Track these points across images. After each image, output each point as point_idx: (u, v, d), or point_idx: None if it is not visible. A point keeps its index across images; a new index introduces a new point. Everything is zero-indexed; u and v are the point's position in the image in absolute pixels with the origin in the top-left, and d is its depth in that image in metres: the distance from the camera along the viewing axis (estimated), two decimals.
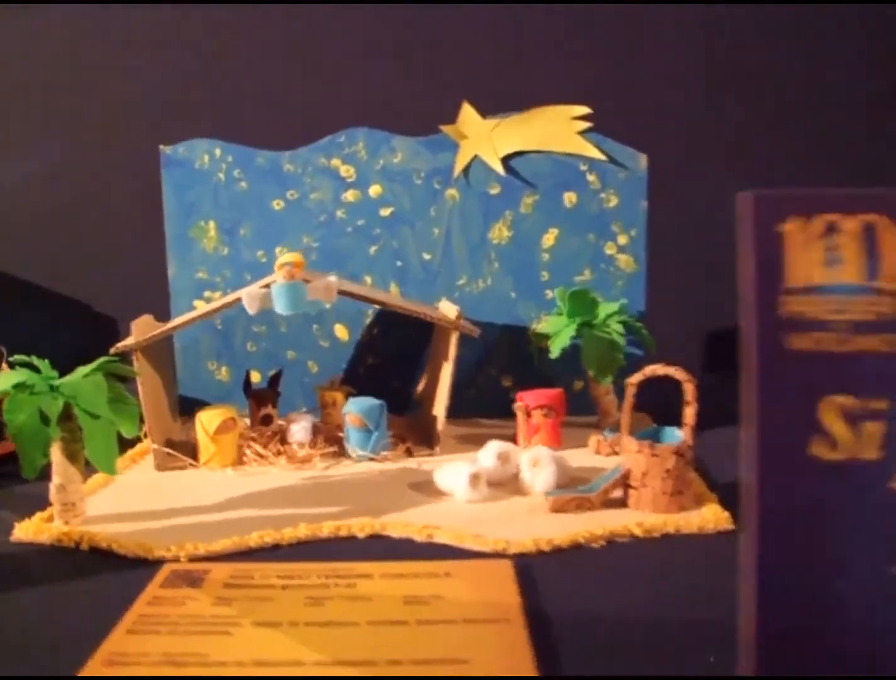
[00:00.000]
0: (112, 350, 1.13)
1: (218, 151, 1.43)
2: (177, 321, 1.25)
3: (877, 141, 1.48)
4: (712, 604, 0.71)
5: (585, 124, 1.40)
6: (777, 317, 0.51)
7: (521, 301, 1.43)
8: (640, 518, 1.00)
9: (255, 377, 1.41)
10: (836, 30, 1.45)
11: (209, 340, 1.47)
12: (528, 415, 1.26)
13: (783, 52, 1.47)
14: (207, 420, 1.19)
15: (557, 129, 1.40)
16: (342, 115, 1.45)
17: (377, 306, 1.38)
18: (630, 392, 1.03)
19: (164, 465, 1.22)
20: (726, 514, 0.96)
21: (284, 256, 1.16)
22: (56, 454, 0.99)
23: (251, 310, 1.17)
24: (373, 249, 1.45)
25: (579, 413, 1.40)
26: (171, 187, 1.44)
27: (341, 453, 1.26)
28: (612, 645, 0.75)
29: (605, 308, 1.31)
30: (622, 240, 1.40)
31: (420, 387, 1.39)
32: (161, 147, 1.44)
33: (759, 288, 0.51)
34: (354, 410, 1.21)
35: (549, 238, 1.42)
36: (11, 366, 1.00)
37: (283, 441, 1.28)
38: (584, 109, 1.40)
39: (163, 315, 1.39)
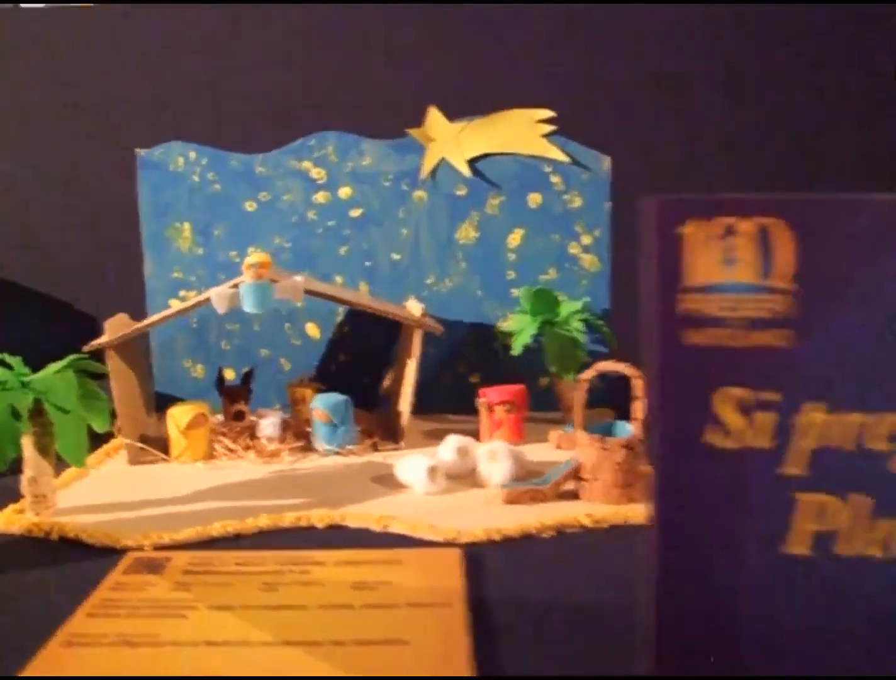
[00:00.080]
0: (85, 348, 1.16)
1: (193, 154, 1.47)
2: (147, 321, 1.28)
3: (833, 142, 1.51)
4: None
5: (549, 127, 1.43)
6: (675, 313, 0.54)
7: (488, 300, 1.47)
8: (590, 510, 1.02)
9: (230, 375, 1.44)
10: (795, 32, 1.48)
11: (185, 339, 1.50)
12: (491, 410, 1.28)
13: (744, 55, 1.50)
14: (178, 416, 1.23)
15: (522, 132, 1.44)
16: (313, 118, 1.47)
17: (345, 305, 1.39)
18: (582, 387, 1.07)
19: (136, 459, 1.25)
20: None
21: (252, 257, 1.20)
22: (28, 448, 1.03)
23: (220, 309, 1.21)
24: (343, 250, 1.48)
25: (547, 409, 1.43)
26: (148, 189, 1.47)
27: (309, 448, 1.28)
28: (550, 629, 0.78)
29: (569, 306, 1.34)
30: (586, 240, 1.44)
31: (386, 383, 1.43)
32: (137, 150, 1.46)
33: (659, 286, 0.54)
34: (321, 405, 1.25)
35: (515, 238, 1.45)
36: None
37: (253, 436, 1.29)
38: (548, 113, 1.43)
39: (141, 314, 1.43)
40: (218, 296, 1.20)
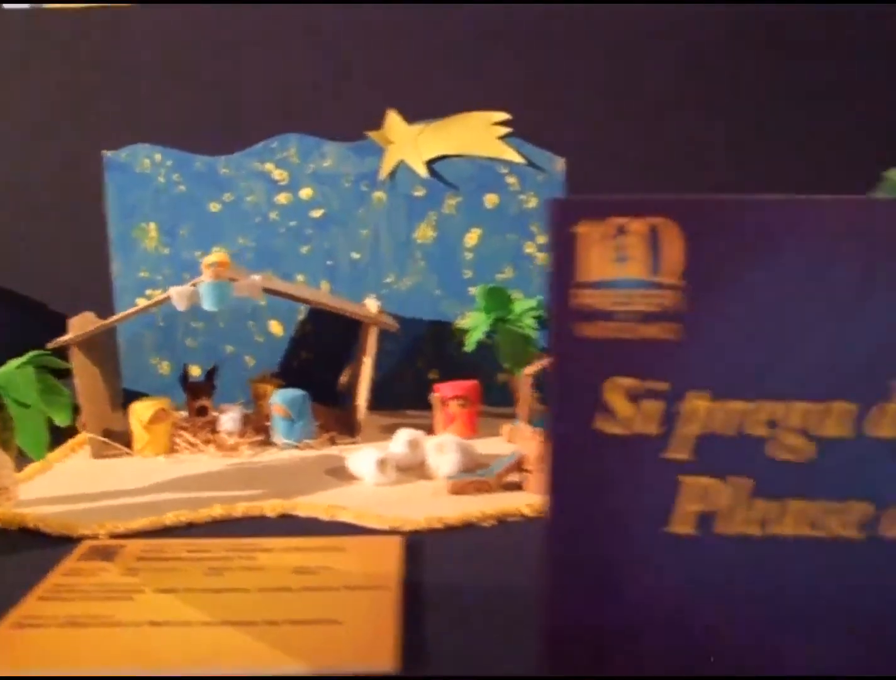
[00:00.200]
0: (49, 345, 1.20)
1: (158, 156, 1.50)
2: (110, 319, 1.32)
3: (787, 141, 1.55)
4: None
5: (505, 129, 1.47)
6: (569, 307, 0.58)
7: (446, 298, 1.51)
8: (532, 500, 1.06)
9: (196, 371, 1.48)
10: (751, 32, 1.52)
11: (152, 337, 1.54)
12: (445, 405, 1.32)
13: (699, 57, 1.53)
14: (140, 411, 1.27)
15: (478, 134, 1.48)
16: (275, 122, 1.51)
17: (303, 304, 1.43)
18: (527, 382, 1.11)
19: (99, 453, 1.28)
20: None
21: (211, 256, 1.24)
22: None
23: (180, 307, 1.25)
24: (305, 249, 1.52)
25: (503, 404, 1.46)
26: (114, 190, 1.51)
27: (268, 442, 1.31)
28: (480, 612, 0.82)
29: (522, 304, 1.39)
30: (541, 239, 1.47)
31: (344, 379, 1.46)
32: (104, 152, 1.49)
33: (554, 282, 0.57)
34: (279, 400, 1.29)
35: (472, 238, 1.49)
36: None
37: (214, 431, 1.33)
38: (504, 115, 1.47)
39: (109, 313, 1.46)
40: (178, 294, 1.24)
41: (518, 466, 1.09)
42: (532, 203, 1.45)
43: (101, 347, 1.38)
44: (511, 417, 1.40)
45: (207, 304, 1.23)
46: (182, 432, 1.31)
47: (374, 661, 0.70)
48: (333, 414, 1.39)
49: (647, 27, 1.52)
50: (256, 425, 1.34)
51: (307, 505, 1.07)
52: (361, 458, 1.14)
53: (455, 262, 1.50)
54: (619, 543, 0.59)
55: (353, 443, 1.34)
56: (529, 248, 1.47)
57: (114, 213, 1.54)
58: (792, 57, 1.53)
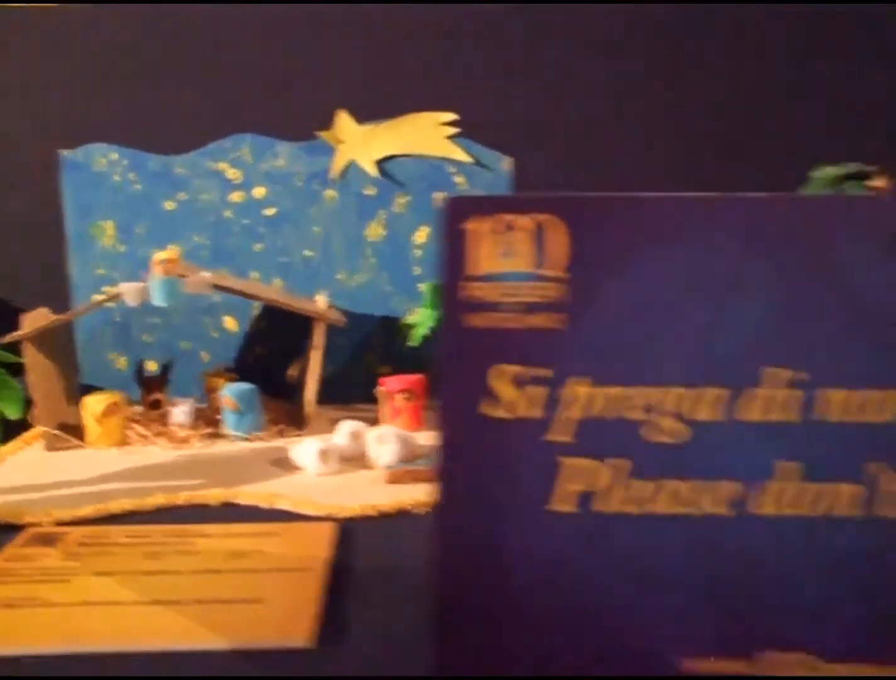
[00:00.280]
0: (0, 341, 1.24)
1: (114, 155, 1.54)
2: (63, 315, 1.35)
3: (733, 144, 1.59)
4: None
5: (453, 130, 1.50)
6: (458, 299, 0.61)
7: (396, 294, 1.54)
8: None
9: (153, 366, 1.52)
10: (700, 29, 1.57)
11: (109, 332, 1.58)
12: (391, 399, 1.36)
13: (647, 56, 1.58)
14: (93, 404, 1.30)
15: (427, 134, 1.51)
16: (228, 121, 1.54)
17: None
18: None
19: (53, 445, 1.31)
20: None
21: (161, 254, 1.28)
22: None
23: (132, 303, 1.29)
24: (258, 247, 1.55)
25: None
26: (71, 189, 1.54)
27: (219, 434, 1.35)
28: (401, 595, 0.84)
29: None
30: None
31: (293, 373, 1.50)
32: (61, 151, 1.52)
33: (445, 274, 0.61)
34: (228, 393, 1.33)
35: (421, 235, 1.53)
36: None
37: (166, 423, 1.36)
38: (452, 116, 1.50)
39: (66, 309, 1.48)
40: (129, 290, 1.28)
41: None
42: None
43: (56, 343, 1.41)
44: None
45: (157, 300, 1.26)
46: (134, 425, 1.34)
47: (291, 637, 0.74)
48: (283, 407, 1.42)
49: (596, 26, 1.55)
50: (208, 418, 1.37)
51: (248, 494, 1.10)
52: (304, 449, 1.17)
53: (405, 260, 1.54)
54: (504, 522, 0.61)
55: (301, 435, 1.33)
56: None
57: (71, 211, 1.56)
58: (743, 55, 1.56)
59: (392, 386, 1.35)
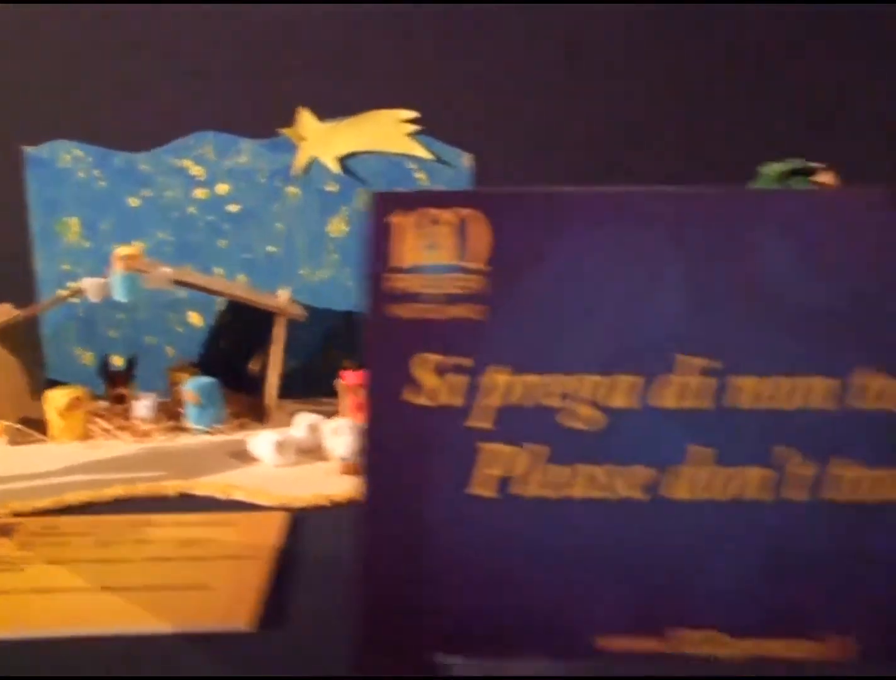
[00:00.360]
0: None
1: (78, 152, 1.55)
2: (25, 310, 1.37)
3: (682, 138, 1.62)
4: None
5: (414, 127, 1.52)
6: (383, 291, 0.63)
7: (359, 290, 1.55)
8: None
9: (119, 361, 1.54)
10: (656, 25, 1.59)
11: (74, 328, 1.60)
12: (351, 392, 1.38)
13: (606, 54, 1.60)
14: (55, 399, 1.33)
15: (388, 131, 1.54)
16: (192, 119, 1.55)
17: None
18: None
19: (15, 440, 1.33)
20: None
21: (121, 249, 1.30)
22: None
23: (94, 298, 1.31)
24: (222, 243, 1.57)
25: None
26: (36, 185, 1.55)
27: (181, 428, 1.37)
28: (346, 581, 0.84)
29: None
30: None
31: (254, 367, 1.52)
32: (25, 148, 1.54)
33: (369, 267, 0.64)
34: (190, 387, 1.35)
35: None
36: None
37: (129, 417, 1.38)
38: (412, 113, 1.52)
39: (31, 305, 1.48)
40: (90, 286, 1.30)
41: None
42: None
43: (20, 338, 1.43)
44: None
45: (118, 296, 1.29)
46: (97, 420, 1.36)
47: (233, 621, 0.76)
48: (245, 401, 1.44)
49: (556, 23, 1.57)
50: (170, 412, 1.39)
51: (205, 484, 1.12)
52: (261, 441, 1.20)
53: None
54: (426, 505, 0.63)
55: (263, 428, 1.35)
56: None
57: (35, 207, 1.57)
58: (695, 51, 1.59)
59: (352, 380, 1.36)
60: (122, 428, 1.35)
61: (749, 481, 0.61)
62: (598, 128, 1.60)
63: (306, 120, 1.53)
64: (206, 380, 1.34)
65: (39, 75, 1.59)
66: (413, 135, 1.55)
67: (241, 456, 1.25)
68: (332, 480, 1.15)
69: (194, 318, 1.56)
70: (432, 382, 0.64)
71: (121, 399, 1.40)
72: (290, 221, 1.55)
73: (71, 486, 1.14)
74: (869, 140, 1.60)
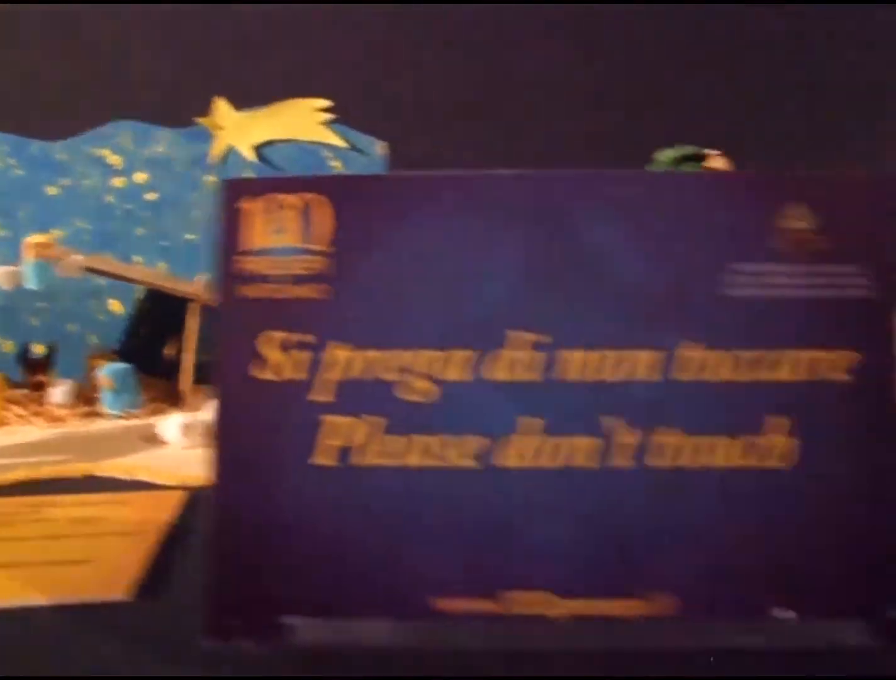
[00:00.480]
0: None
1: None
2: None
3: (603, 128, 1.65)
4: None
5: (329, 115, 1.55)
6: (233, 272, 0.67)
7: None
8: None
9: (40, 349, 1.56)
10: (572, 19, 1.62)
11: None
12: None
13: (520, 41, 1.63)
14: None
15: (303, 120, 1.56)
16: (109, 108, 1.57)
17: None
18: None
19: None
20: None
21: (32, 238, 1.33)
22: None
23: (5, 286, 1.34)
24: (140, 231, 1.60)
25: None
26: None
27: (96, 413, 1.40)
28: None
29: None
30: None
31: (170, 352, 1.55)
32: None
33: (220, 250, 0.67)
34: (104, 373, 1.38)
35: None
36: None
37: (45, 403, 1.41)
38: (327, 102, 1.55)
39: None
40: (1, 274, 1.32)
41: None
42: None
43: None
44: None
45: (30, 284, 1.31)
46: (12, 406, 1.38)
47: (110, 591, 0.79)
48: (161, 386, 1.47)
49: (466, 10, 1.59)
50: (86, 398, 1.41)
51: (109, 466, 1.15)
52: (169, 423, 1.22)
53: None
54: (273, 476, 0.67)
55: (178, 413, 1.37)
56: None
57: None
58: (619, 37, 1.62)
59: None
60: (36, 414, 1.37)
61: (577, 450, 0.64)
62: (512, 115, 1.61)
63: (222, 109, 1.55)
64: (120, 365, 1.36)
65: None
66: (328, 123, 1.56)
67: (151, 439, 1.27)
68: None
69: (115, 306, 1.58)
70: (277, 357, 0.66)
71: (40, 386, 1.42)
72: (207, 209, 1.55)
73: None
74: None
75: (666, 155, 1.32)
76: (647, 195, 0.67)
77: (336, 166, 1.57)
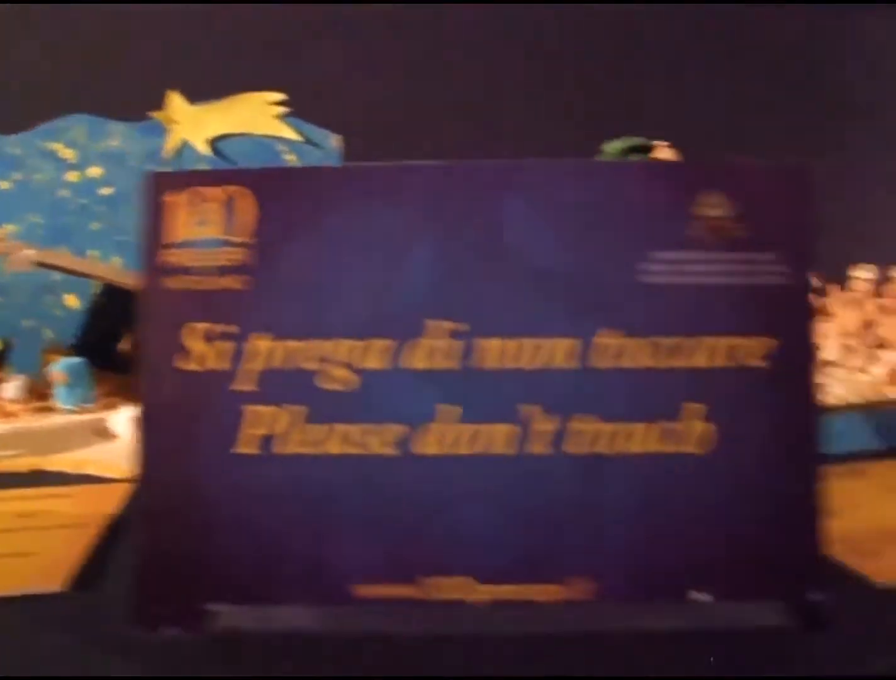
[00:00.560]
0: None
1: None
2: None
3: (553, 119, 1.66)
4: None
5: (282, 109, 1.56)
6: (158, 265, 0.68)
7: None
8: None
9: None
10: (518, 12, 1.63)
11: None
12: None
13: (469, 35, 1.64)
14: None
15: (257, 113, 1.57)
16: (62, 101, 1.57)
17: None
18: None
19: None
20: None
21: None
22: None
23: None
24: (95, 226, 1.60)
25: None
26: None
27: (50, 408, 1.40)
28: None
29: None
30: None
31: (126, 347, 1.56)
32: None
33: (146, 243, 0.68)
34: (58, 368, 1.38)
35: None
36: None
37: None
38: (280, 95, 1.56)
39: None
40: None
41: None
42: None
43: None
44: None
45: None
46: None
47: (49, 583, 0.79)
48: (116, 380, 1.47)
49: (419, 5, 1.60)
50: (40, 393, 1.41)
51: (58, 460, 1.15)
52: (120, 417, 1.23)
53: None
54: (198, 466, 0.68)
55: (132, 407, 1.38)
56: None
57: None
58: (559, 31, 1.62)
59: None
60: None
61: (495, 437, 0.65)
62: (464, 109, 1.62)
63: (176, 103, 1.56)
64: (74, 360, 1.37)
65: None
66: (282, 117, 1.55)
67: (103, 433, 1.27)
68: None
69: (71, 301, 1.59)
70: (201, 348, 0.67)
71: None
72: None
73: None
74: None
75: (613, 146, 1.33)
76: (565, 184, 0.68)
77: (291, 160, 1.57)
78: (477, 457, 0.65)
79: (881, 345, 1.34)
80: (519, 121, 1.70)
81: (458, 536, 0.65)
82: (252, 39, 1.63)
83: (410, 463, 0.67)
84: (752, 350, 0.65)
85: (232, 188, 0.67)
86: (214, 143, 1.55)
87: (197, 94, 1.57)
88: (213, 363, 0.68)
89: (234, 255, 0.67)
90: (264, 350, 0.66)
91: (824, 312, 1.38)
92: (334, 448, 0.66)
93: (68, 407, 1.36)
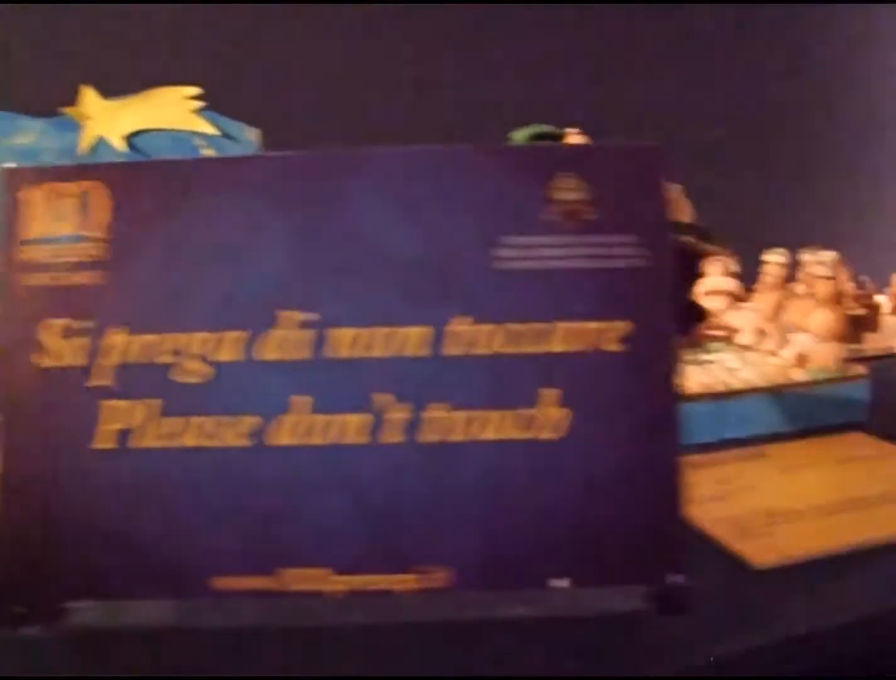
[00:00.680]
0: None
1: None
2: None
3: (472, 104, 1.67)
4: None
5: (199, 103, 1.56)
6: (15, 262, 0.68)
7: None
8: None
9: None
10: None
11: None
12: None
13: (391, 24, 1.65)
14: None
15: (173, 108, 1.57)
16: None
17: None
18: None
19: None
20: None
21: None
22: None
23: None
24: None
25: None
26: None
27: None
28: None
29: None
30: None
31: None
32: None
33: (3, 240, 0.68)
34: None
35: None
36: None
37: None
38: (196, 90, 1.56)
39: None
40: None
41: None
42: None
43: None
44: None
45: None
46: None
47: None
48: None
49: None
50: None
51: None
52: None
53: None
54: (57, 462, 0.68)
55: None
56: None
57: None
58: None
59: None
60: None
61: (348, 427, 0.66)
62: (385, 98, 1.63)
63: (90, 98, 1.55)
64: None
65: None
66: (198, 111, 1.55)
67: None
68: None
69: None
70: (57, 344, 0.67)
71: None
72: None
73: None
74: None
75: (521, 134, 1.33)
76: (415, 171, 0.68)
77: (209, 154, 1.56)
78: (330, 447, 0.66)
79: (800, 328, 1.35)
80: (440, 111, 1.69)
81: (313, 527, 0.66)
82: (166, 32, 1.62)
83: (265, 454, 0.67)
84: (609, 334, 0.66)
85: (87, 183, 0.68)
86: (131, 138, 1.54)
87: (110, 89, 1.54)
88: (69, 359, 0.68)
89: (90, 251, 0.68)
90: (120, 344, 0.67)
91: (741, 298, 1.39)
92: (190, 441, 0.66)
93: None
